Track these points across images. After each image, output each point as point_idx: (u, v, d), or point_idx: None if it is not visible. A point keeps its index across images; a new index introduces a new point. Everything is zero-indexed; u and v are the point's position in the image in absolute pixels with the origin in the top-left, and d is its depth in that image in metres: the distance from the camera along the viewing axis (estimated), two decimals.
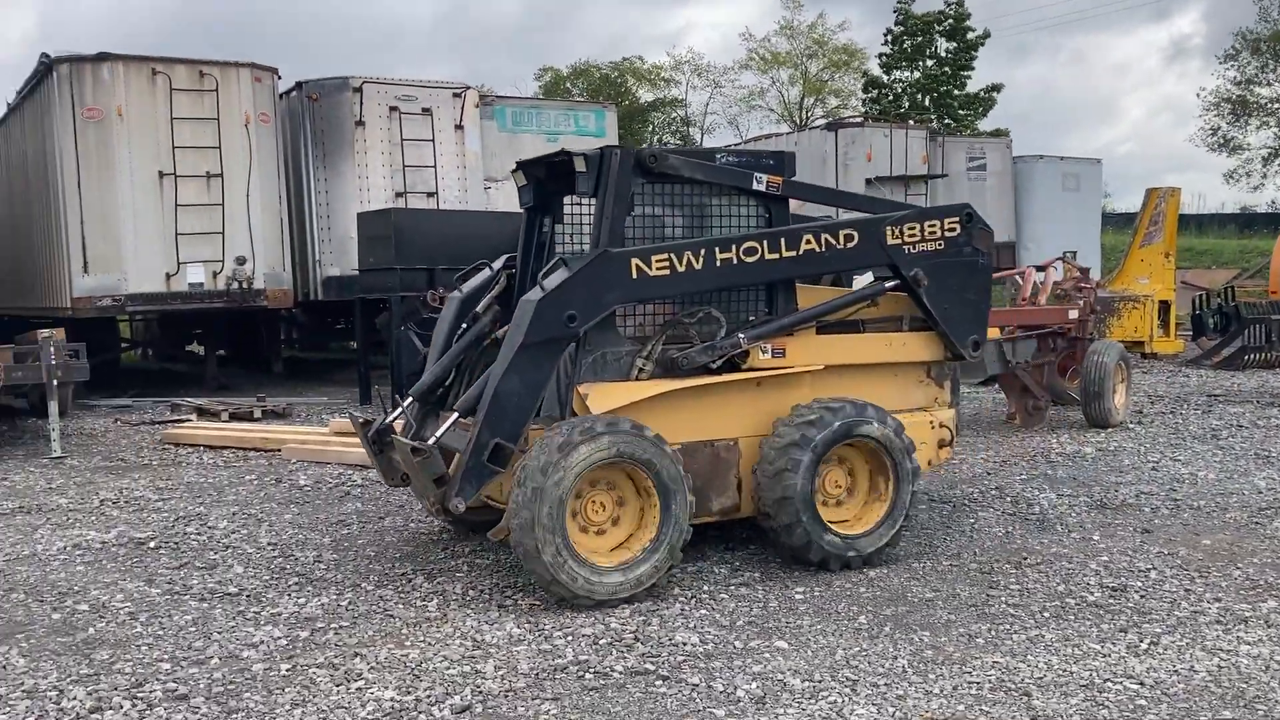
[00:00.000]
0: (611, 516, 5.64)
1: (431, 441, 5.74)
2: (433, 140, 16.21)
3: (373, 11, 79.37)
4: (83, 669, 4.73)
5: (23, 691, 4.49)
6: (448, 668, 4.69)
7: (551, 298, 5.60)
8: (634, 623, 5.22)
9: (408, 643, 5.02)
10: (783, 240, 6.05)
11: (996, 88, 41.76)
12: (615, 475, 5.59)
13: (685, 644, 4.94)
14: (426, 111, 16.21)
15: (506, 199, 17.52)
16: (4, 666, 4.79)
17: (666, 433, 5.73)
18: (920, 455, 6.35)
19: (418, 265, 12.92)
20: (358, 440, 10.02)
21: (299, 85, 16.11)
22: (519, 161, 6.68)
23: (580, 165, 5.86)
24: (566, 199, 6.44)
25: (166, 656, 4.87)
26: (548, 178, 6.54)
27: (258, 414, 12.55)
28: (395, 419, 6.52)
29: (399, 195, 15.88)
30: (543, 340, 5.60)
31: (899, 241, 6.30)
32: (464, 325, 6.57)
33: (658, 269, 5.77)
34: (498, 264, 6.76)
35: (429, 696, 4.38)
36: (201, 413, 12.72)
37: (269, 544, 6.88)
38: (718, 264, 5.88)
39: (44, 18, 73.76)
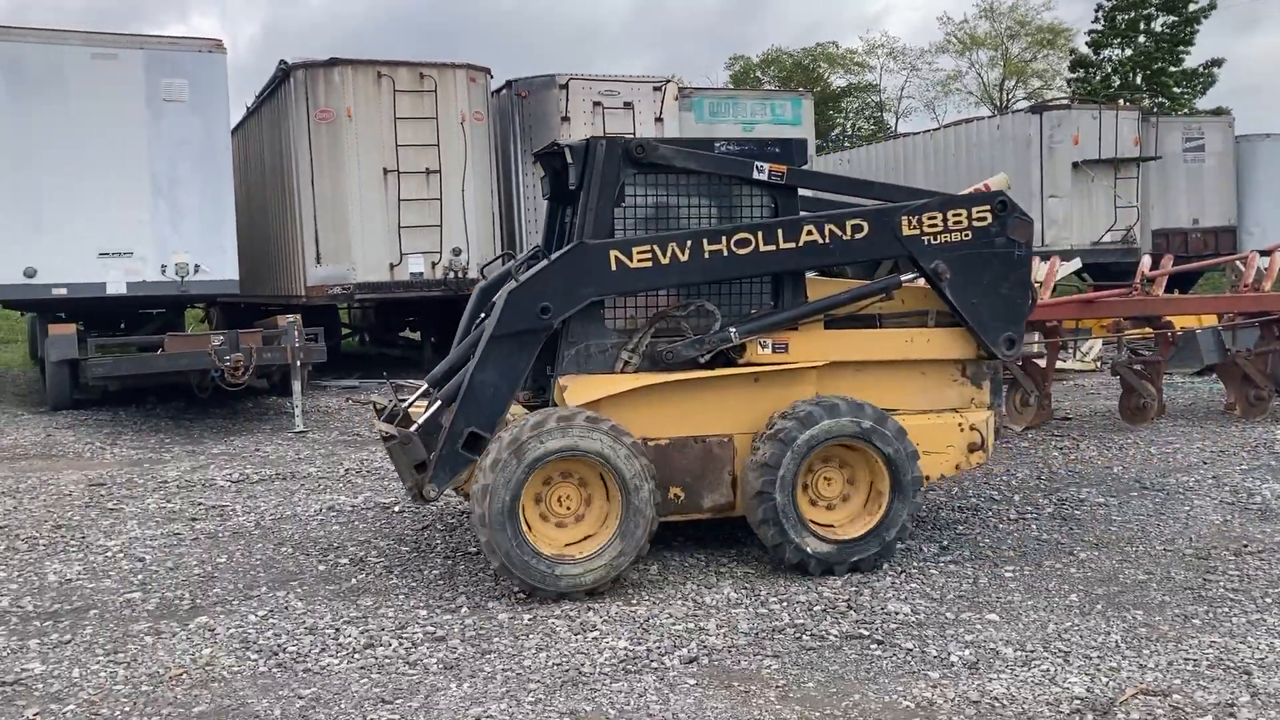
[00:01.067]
0: (577, 510, 5.63)
1: (414, 428, 5.82)
2: (634, 133, 16.72)
3: (571, 6, 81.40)
4: (352, 612, 5.34)
5: (305, 629, 5.12)
6: (674, 624, 5.07)
7: (524, 289, 5.67)
8: (846, 593, 5.47)
9: (634, 601, 5.43)
10: (780, 231, 5.83)
11: (1217, 62, 39.39)
12: (579, 468, 5.56)
13: (897, 613, 5.16)
14: (628, 105, 16.75)
15: None
16: (286, 608, 5.45)
17: (653, 427, 5.77)
18: (946, 458, 6.07)
19: None
20: None
21: (509, 84, 16.91)
22: (535, 153, 6.63)
23: (568, 157, 5.94)
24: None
25: (422, 604, 5.44)
26: (563, 168, 6.33)
27: None
28: (411, 404, 6.40)
29: None
30: (515, 331, 5.65)
31: (917, 232, 5.95)
32: (483, 314, 6.49)
33: (639, 261, 5.69)
34: (524, 255, 6.62)
35: (659, 648, 4.77)
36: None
37: None
38: (706, 256, 5.74)
39: (267, 25, 78.87)
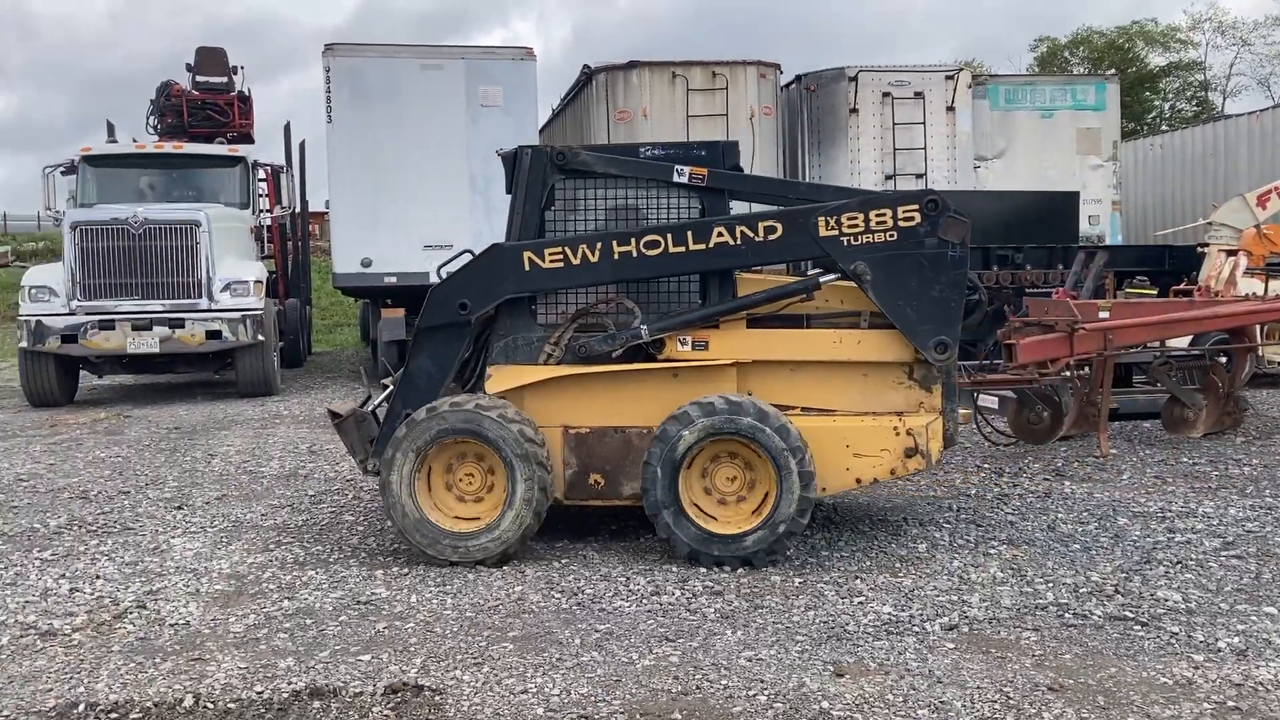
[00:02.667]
0: (479, 489, 6.04)
1: (370, 408, 6.57)
2: (923, 123, 16.67)
3: None
4: (640, 565, 5.94)
5: (600, 576, 5.75)
6: (937, 595, 5.33)
7: (445, 287, 6.19)
8: (1116, 578, 5.53)
9: (900, 573, 5.73)
10: (690, 233, 5.95)
11: None
12: (481, 449, 5.94)
13: (1167, 600, 5.18)
14: (918, 95, 16.71)
15: (997, 178, 17.56)
16: (584, 558, 6.12)
17: (575, 416, 6.10)
18: (880, 462, 5.95)
19: None
20: None
21: (798, 78, 17.28)
22: (499, 153, 6.74)
23: (504, 164, 6.32)
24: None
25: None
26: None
27: None
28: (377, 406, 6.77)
29: (888, 178, 16.54)
30: (438, 325, 6.21)
31: (835, 233, 5.88)
32: None
33: (551, 261, 6.02)
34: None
35: (921, 615, 5.06)
36: None
37: None
38: (616, 257, 5.97)
39: (578, 26, 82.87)
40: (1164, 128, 42.05)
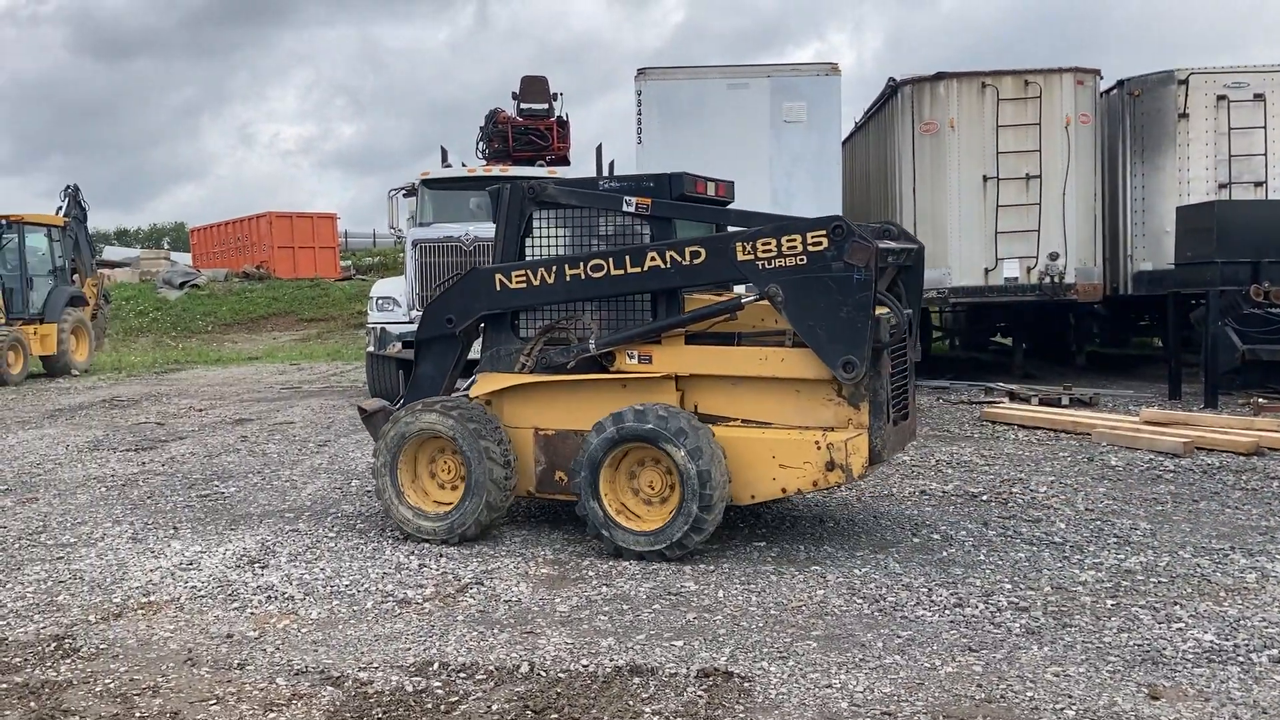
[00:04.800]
0: (452, 479, 6.95)
1: (396, 405, 7.41)
2: (1264, 127, 15.42)
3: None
4: (942, 577, 5.97)
5: (902, 585, 5.85)
6: (1266, 627, 5.05)
7: (435, 304, 7.23)
8: None
9: (1225, 602, 5.45)
10: (627, 258, 6.54)
11: None
12: (452, 444, 6.81)
13: None
14: (1259, 97, 15.48)
15: None
16: (885, 567, 6.22)
17: (544, 419, 6.95)
18: (803, 474, 6.28)
19: (1240, 259, 12.57)
20: (1169, 427, 10.29)
21: (1120, 83, 16.41)
22: (488, 190, 7.50)
23: (490, 198, 7.16)
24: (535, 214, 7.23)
25: (1006, 579, 5.92)
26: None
27: (1065, 400, 13.29)
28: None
29: (1222, 186, 15.42)
30: (431, 337, 7.29)
31: (751, 257, 6.24)
32: None
33: (517, 283, 6.89)
34: None
35: (1247, 645, 4.81)
36: (1013, 396, 13.82)
37: (1085, 509, 7.64)
38: (566, 279, 6.73)
39: (890, 36, 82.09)
40: None
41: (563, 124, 18.94)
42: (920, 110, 15.99)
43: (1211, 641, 4.87)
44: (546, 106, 18.81)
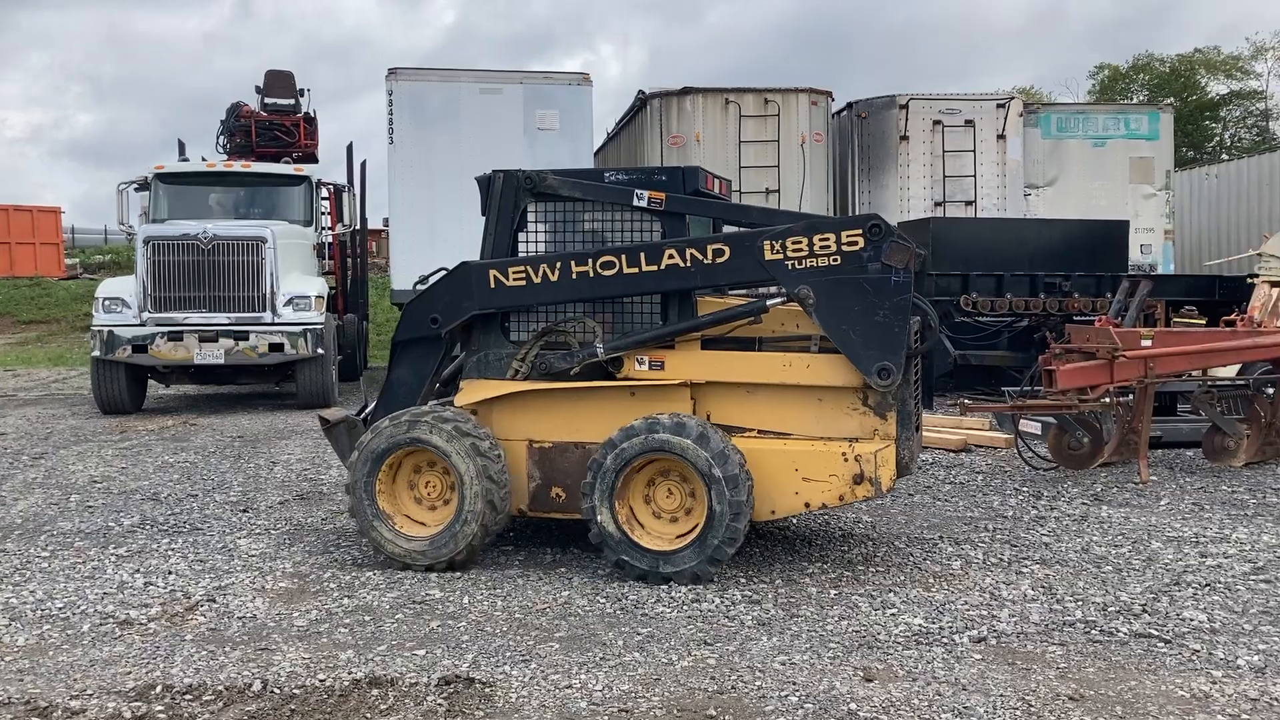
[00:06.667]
0: (437, 497, 6.33)
1: (362, 415, 6.95)
2: (974, 150, 16.83)
3: (964, 15, 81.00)
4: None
5: (643, 584, 6.01)
6: (968, 610, 5.52)
7: (417, 302, 6.49)
8: (1144, 598, 5.68)
9: (933, 588, 5.92)
10: (643, 255, 6.07)
11: None
12: (437, 459, 6.22)
13: (1192, 620, 5.33)
14: (969, 123, 16.90)
15: (1047, 205, 17.66)
16: None
17: (539, 431, 6.33)
18: (829, 487, 5.95)
19: (952, 272, 13.66)
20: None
21: (849, 105, 17.52)
22: (477, 178, 6.89)
23: (479, 187, 6.55)
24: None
25: (741, 574, 6.20)
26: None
27: None
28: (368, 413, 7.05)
29: (937, 205, 16.73)
30: (412, 339, 6.55)
31: (780, 256, 5.90)
32: None
33: (514, 280, 6.23)
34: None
35: (951, 627, 5.25)
36: None
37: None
38: (573, 276, 6.15)
39: (655, 50, 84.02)
40: (1224, 156, 41.68)
41: (310, 120, 18.36)
42: (668, 123, 16.51)
43: (920, 625, 5.29)
44: (293, 102, 18.18)
